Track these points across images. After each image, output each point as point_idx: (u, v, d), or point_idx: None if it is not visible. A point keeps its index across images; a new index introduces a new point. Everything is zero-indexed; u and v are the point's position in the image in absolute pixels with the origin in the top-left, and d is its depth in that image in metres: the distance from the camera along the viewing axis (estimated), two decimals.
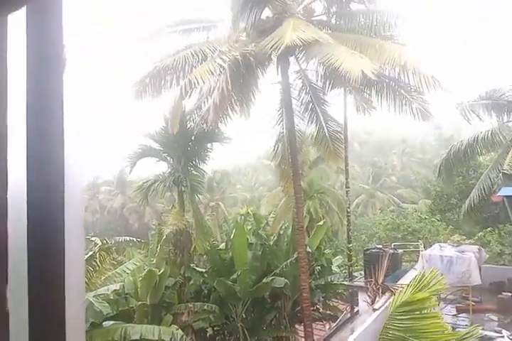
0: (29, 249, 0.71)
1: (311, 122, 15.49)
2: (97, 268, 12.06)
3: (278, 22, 13.55)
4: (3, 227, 0.69)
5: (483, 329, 11.10)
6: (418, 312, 5.77)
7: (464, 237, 18.32)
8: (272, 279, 15.68)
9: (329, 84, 15.17)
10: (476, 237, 20.78)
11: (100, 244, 12.87)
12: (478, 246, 14.64)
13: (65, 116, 0.76)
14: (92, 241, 13.48)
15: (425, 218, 26.40)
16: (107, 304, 11.33)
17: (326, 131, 15.30)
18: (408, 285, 6.19)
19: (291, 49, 12.69)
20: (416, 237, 23.72)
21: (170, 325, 13.52)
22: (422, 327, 5.69)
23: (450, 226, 24.95)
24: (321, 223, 19.45)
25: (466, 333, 6.31)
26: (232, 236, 16.87)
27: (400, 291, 6.12)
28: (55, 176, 0.73)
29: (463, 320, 12.60)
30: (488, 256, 15.57)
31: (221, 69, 12.74)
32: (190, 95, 13.84)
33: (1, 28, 0.68)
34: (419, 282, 6.02)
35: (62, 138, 0.73)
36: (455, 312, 13.24)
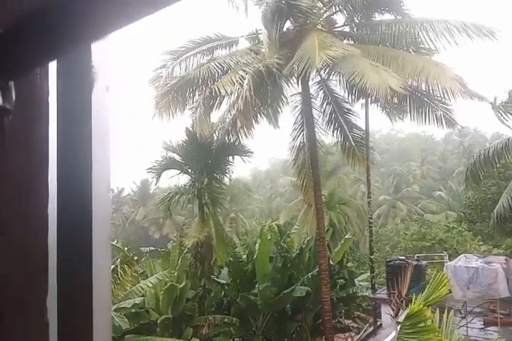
0: (58, 261, 0.73)
1: (335, 132, 15.43)
2: (118, 280, 12.15)
3: (299, 34, 13.54)
4: (45, 244, 0.72)
5: None
6: (422, 325, 5.54)
7: (491, 247, 17.69)
8: (293, 289, 15.53)
9: (353, 94, 15.15)
10: (504, 245, 20.17)
11: (122, 257, 13.02)
12: (505, 257, 14.22)
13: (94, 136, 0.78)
14: (117, 246, 13.72)
15: (453, 227, 25.76)
16: (126, 320, 11.35)
17: (351, 139, 15.23)
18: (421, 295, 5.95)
19: None
20: (443, 247, 23.19)
21: (190, 339, 13.45)
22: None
23: (478, 237, 24.38)
24: (348, 236, 19.25)
25: None
26: (257, 247, 16.72)
27: (412, 302, 5.88)
28: (84, 193, 0.75)
29: (491, 334, 12.23)
30: None
31: (243, 80, 12.76)
32: (213, 107, 13.97)
33: (44, 79, 0.73)
34: (427, 292, 5.81)
35: (90, 153, 0.75)
36: (482, 326, 12.87)
